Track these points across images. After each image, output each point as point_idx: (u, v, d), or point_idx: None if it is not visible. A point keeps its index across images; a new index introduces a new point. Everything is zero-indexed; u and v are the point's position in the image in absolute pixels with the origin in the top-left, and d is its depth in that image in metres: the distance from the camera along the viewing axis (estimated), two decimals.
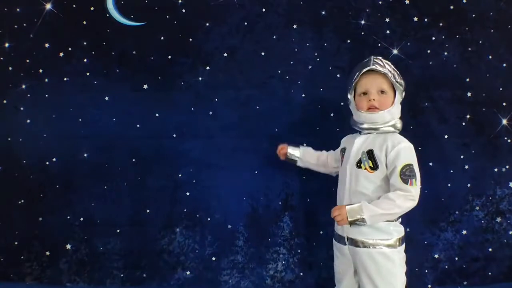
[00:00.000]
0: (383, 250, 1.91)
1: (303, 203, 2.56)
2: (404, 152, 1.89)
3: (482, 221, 2.56)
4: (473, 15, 2.52)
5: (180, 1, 2.55)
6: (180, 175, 2.58)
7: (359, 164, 1.95)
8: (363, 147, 1.96)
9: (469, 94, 2.53)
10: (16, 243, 2.64)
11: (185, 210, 2.59)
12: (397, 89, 1.97)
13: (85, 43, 2.58)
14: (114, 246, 2.61)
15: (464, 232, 2.55)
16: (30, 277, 2.64)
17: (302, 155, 2.29)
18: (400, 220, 2.00)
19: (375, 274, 1.91)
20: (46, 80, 2.59)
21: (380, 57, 2.03)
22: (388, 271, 1.91)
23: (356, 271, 2.00)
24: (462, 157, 2.54)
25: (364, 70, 1.97)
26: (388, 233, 1.92)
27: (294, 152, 2.30)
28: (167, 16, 2.56)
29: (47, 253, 2.63)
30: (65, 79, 2.59)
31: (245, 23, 2.55)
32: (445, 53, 2.52)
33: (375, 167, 1.91)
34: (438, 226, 2.55)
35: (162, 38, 2.56)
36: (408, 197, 1.86)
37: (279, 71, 2.55)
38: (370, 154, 1.93)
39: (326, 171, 2.29)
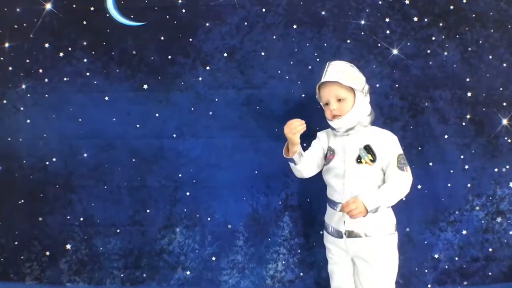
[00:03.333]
0: (384, 238, 2.00)
1: (303, 203, 2.56)
2: (396, 143, 2.03)
3: (482, 221, 2.55)
4: (473, 15, 2.52)
5: (180, 1, 2.55)
6: (180, 175, 2.58)
7: (359, 159, 2.02)
8: (359, 143, 2.03)
9: (469, 94, 2.53)
10: (16, 243, 2.64)
11: (185, 210, 2.59)
12: (355, 91, 2.01)
13: (85, 43, 2.58)
14: (114, 246, 2.61)
15: (464, 232, 2.55)
16: (30, 277, 2.64)
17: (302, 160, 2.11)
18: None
19: (375, 262, 1.99)
20: (46, 80, 2.59)
21: (335, 62, 2.05)
22: (389, 256, 2.02)
23: (352, 263, 2.09)
24: (462, 157, 2.53)
25: (319, 83, 2.05)
26: (383, 221, 2.01)
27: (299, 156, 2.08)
28: (167, 16, 2.56)
29: (47, 253, 2.63)
30: (65, 79, 2.59)
31: (245, 23, 2.54)
32: (445, 53, 2.52)
33: (374, 159, 2.01)
34: (438, 226, 2.55)
35: (162, 38, 2.56)
36: (409, 181, 1.98)
37: (279, 71, 2.55)
38: (368, 148, 2.02)
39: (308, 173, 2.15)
